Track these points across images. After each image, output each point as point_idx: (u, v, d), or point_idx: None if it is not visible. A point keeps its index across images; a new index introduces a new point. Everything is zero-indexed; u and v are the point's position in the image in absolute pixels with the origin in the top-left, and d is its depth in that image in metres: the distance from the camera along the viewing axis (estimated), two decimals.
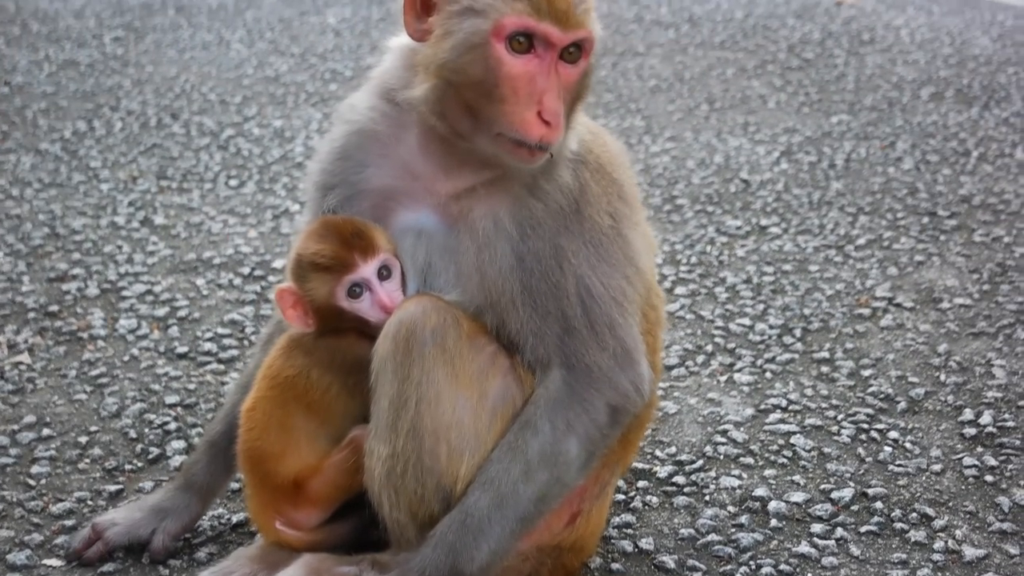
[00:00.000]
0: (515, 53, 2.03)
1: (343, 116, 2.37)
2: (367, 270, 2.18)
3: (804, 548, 2.56)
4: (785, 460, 2.94)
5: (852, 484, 2.83)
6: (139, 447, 2.95)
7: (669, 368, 3.40)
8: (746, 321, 3.71)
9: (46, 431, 3.01)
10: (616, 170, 2.29)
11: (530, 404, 2.14)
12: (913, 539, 2.61)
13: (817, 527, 2.65)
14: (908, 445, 3.02)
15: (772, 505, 2.73)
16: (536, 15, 2.01)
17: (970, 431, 3.09)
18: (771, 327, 3.67)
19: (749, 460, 2.94)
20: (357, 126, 2.31)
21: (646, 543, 2.59)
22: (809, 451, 2.98)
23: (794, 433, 3.06)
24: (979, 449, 3.01)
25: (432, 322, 2.09)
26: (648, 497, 2.78)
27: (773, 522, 2.68)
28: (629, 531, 2.65)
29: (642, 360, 2.21)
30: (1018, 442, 3.03)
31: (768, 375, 3.38)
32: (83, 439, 2.97)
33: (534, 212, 2.16)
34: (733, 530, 2.64)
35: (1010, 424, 3.12)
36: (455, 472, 2.09)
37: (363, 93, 2.35)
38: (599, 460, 2.23)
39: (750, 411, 3.18)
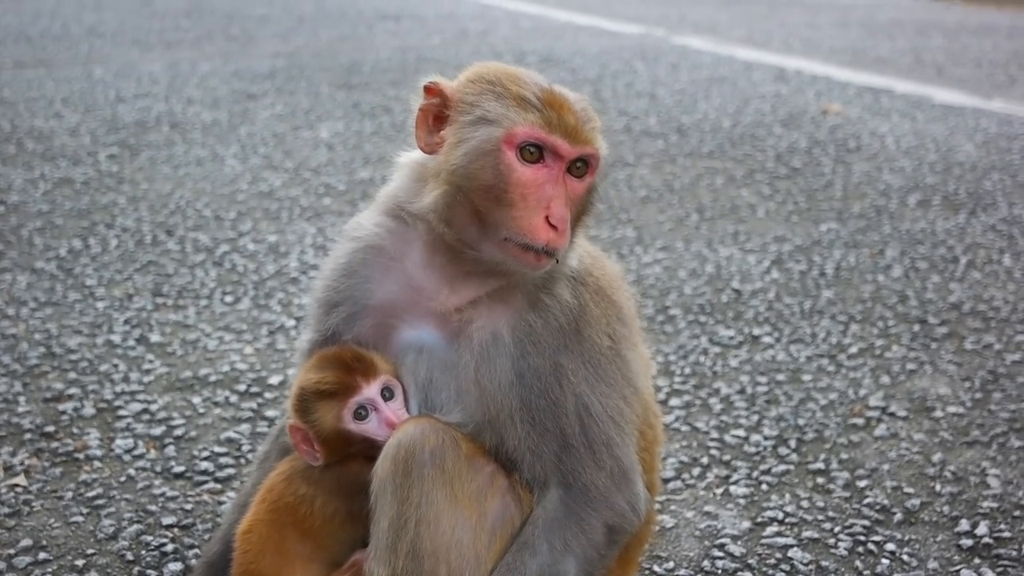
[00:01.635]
0: (525, 162, 2.14)
1: (349, 234, 2.43)
2: (371, 391, 2.23)
3: None
4: (783, 574, 2.96)
5: None
6: (136, 570, 2.95)
7: (666, 481, 3.43)
8: (741, 432, 3.75)
9: (43, 555, 3.01)
10: (615, 292, 2.37)
11: (528, 524, 2.17)
12: None
13: None
14: (905, 557, 3.04)
15: None
16: (547, 128, 2.15)
17: (967, 542, 3.11)
18: (766, 438, 3.71)
19: (747, 575, 2.96)
20: (363, 243, 2.38)
21: None
22: (807, 565, 3.00)
23: (791, 546, 3.08)
24: (976, 561, 3.03)
25: (431, 443, 2.12)
26: None
27: None
28: None
29: (638, 480, 2.26)
30: (1015, 553, 3.06)
31: (764, 487, 3.41)
32: (80, 562, 2.98)
33: (534, 328, 2.22)
34: None
35: (1006, 535, 3.15)
36: None
37: (370, 211, 2.43)
38: None
39: (747, 524, 3.20)
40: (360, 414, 2.25)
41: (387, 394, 2.26)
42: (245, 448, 3.59)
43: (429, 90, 2.26)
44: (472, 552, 2.13)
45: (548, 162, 2.16)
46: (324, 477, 2.30)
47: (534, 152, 2.15)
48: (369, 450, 2.25)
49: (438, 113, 2.25)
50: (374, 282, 2.34)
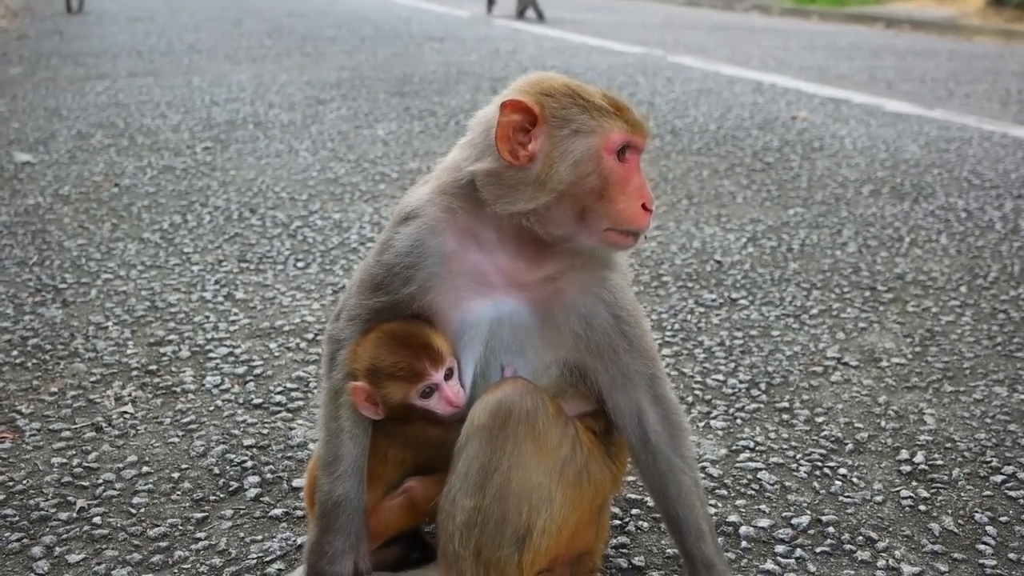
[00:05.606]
0: (619, 162, 2.04)
1: (417, 211, 2.17)
2: (437, 376, 2.15)
3: (769, 566, 2.55)
4: (753, 492, 2.93)
5: (809, 512, 2.82)
6: (221, 481, 2.95)
7: None
8: (720, 377, 3.71)
9: (145, 468, 3.02)
10: None
11: (654, 450, 2.22)
12: (860, 558, 2.59)
13: (780, 548, 2.63)
14: (855, 480, 3.00)
15: (743, 529, 2.72)
16: (630, 130, 2.06)
17: (906, 468, 3.07)
18: (740, 382, 3.67)
19: (723, 491, 2.93)
20: (437, 220, 2.14)
21: (638, 561, 2.58)
22: (773, 484, 2.97)
23: (760, 469, 3.05)
24: (914, 483, 2.99)
25: (528, 404, 2.06)
26: (640, 522, 2.77)
27: (743, 544, 2.66)
28: (624, 551, 2.63)
29: None
30: (946, 477, 3.02)
31: (738, 421, 3.37)
32: (175, 475, 2.98)
33: (613, 280, 2.18)
34: None
35: (939, 462, 3.10)
36: (532, 524, 2.05)
37: (433, 196, 2.17)
38: None
39: (724, 451, 3.17)
40: (425, 393, 2.17)
41: (448, 374, 2.18)
42: (312, 385, 3.58)
43: (511, 106, 2.03)
44: (547, 492, 2.07)
45: (629, 156, 2.05)
46: (395, 432, 2.27)
47: (623, 152, 2.05)
48: (426, 415, 2.20)
49: (522, 127, 2.03)
50: (450, 256, 2.13)
